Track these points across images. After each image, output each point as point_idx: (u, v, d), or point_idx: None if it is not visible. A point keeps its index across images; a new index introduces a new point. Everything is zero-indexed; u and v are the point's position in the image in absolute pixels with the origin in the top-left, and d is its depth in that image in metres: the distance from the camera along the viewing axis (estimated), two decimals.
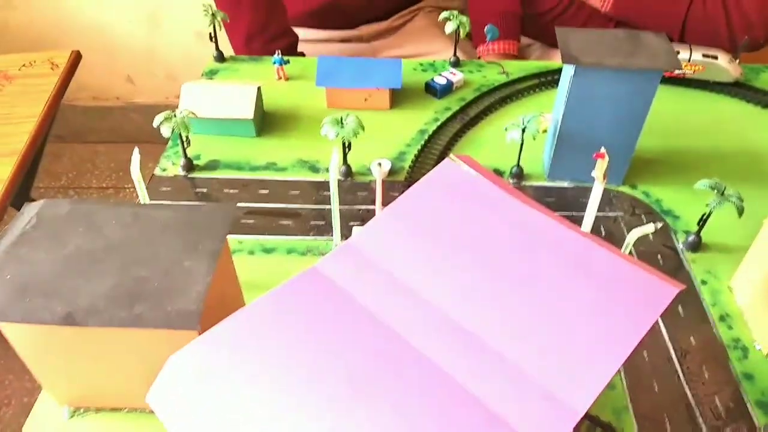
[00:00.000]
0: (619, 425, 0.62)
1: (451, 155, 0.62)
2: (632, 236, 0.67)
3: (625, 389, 0.65)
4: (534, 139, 0.84)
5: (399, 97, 1.08)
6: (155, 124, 0.85)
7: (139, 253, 0.53)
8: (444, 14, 1.09)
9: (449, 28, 1.07)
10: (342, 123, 0.85)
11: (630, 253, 0.69)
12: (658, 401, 0.64)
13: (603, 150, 0.69)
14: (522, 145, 0.87)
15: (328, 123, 0.85)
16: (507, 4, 1.35)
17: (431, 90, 1.09)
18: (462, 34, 1.09)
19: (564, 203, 0.88)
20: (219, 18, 1.10)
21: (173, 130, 0.85)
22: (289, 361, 0.47)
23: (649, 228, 0.66)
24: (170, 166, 0.94)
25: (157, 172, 0.93)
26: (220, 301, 0.57)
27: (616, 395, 0.65)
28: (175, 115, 0.86)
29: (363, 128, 0.85)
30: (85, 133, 2.46)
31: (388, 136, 0.99)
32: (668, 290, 0.50)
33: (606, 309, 0.50)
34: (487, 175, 0.62)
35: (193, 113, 0.88)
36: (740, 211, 0.73)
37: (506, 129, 0.85)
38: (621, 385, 0.66)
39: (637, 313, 0.49)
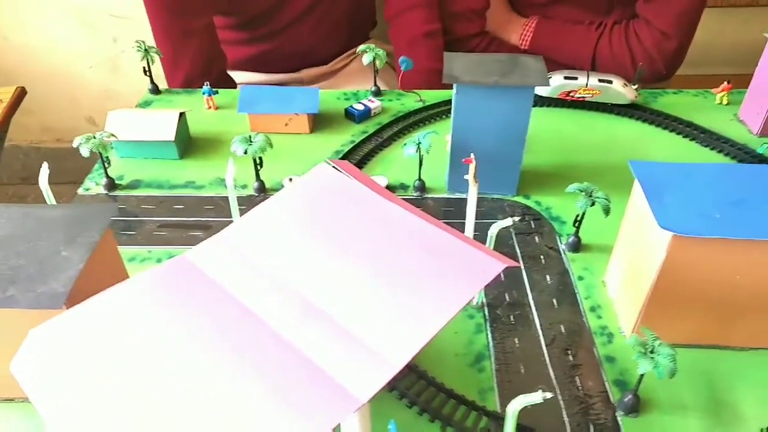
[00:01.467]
0: (482, 403, 0.67)
1: (327, 160, 0.69)
2: (494, 229, 0.73)
3: (493, 371, 0.70)
4: (427, 152, 0.91)
5: (320, 123, 1.16)
6: (74, 144, 0.91)
7: (20, 246, 0.58)
8: (361, 47, 1.17)
9: (366, 60, 1.16)
10: (251, 141, 0.91)
11: (492, 245, 0.75)
12: (523, 382, 0.69)
13: (471, 156, 0.76)
14: (421, 160, 0.95)
15: (237, 141, 0.91)
16: (422, 26, 1.40)
17: (350, 116, 1.16)
18: (378, 65, 1.17)
19: (461, 212, 0.94)
20: (151, 54, 1.18)
21: (92, 150, 0.91)
22: (146, 334, 0.51)
23: (507, 222, 0.72)
24: (93, 186, 0.99)
25: (80, 191, 0.99)
26: (100, 289, 0.62)
27: (484, 377, 0.70)
28: (95, 137, 0.92)
29: (271, 145, 0.92)
30: (52, 174, 2.51)
31: (306, 157, 1.06)
32: (495, 266, 0.56)
33: (437, 281, 0.55)
34: (360, 177, 0.68)
35: (113, 135, 0.94)
36: (606, 211, 0.79)
37: (404, 146, 0.92)
38: (490, 367, 0.71)
39: (464, 284, 0.55)
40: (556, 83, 1.16)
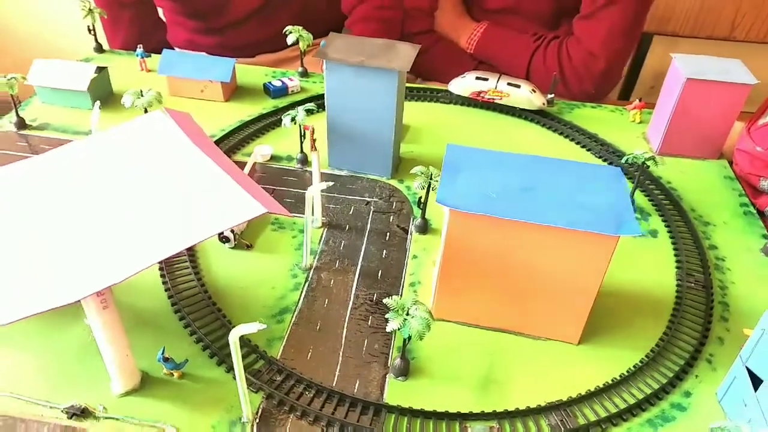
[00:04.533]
0: (269, 351, 0.71)
1: (164, 108, 0.75)
2: (310, 191, 0.77)
3: (289, 325, 0.74)
4: (297, 123, 0.95)
5: (239, 94, 1.22)
6: None
7: None
8: (288, 28, 1.22)
9: (290, 40, 1.21)
10: (142, 94, 0.98)
11: (313, 206, 0.79)
12: (312, 336, 0.73)
13: (311, 127, 0.80)
14: (303, 134, 0.99)
15: (129, 93, 0.98)
16: (377, 11, 1.44)
17: (267, 91, 1.22)
18: (302, 46, 1.22)
19: (335, 187, 0.98)
20: (96, 13, 1.26)
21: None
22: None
23: (323, 185, 0.76)
24: (8, 124, 1.07)
25: None
26: None
27: (278, 328, 0.74)
28: (5, 77, 1.00)
29: (161, 101, 0.98)
30: None
31: (215, 123, 1.11)
32: (256, 207, 0.60)
33: (199, 213, 0.60)
34: (188, 126, 0.74)
35: (23, 77, 1.02)
36: None
37: (283, 117, 0.97)
38: (289, 321, 0.75)
39: (219, 219, 0.60)
40: (468, 83, 1.20)
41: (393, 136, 0.96)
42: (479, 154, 0.74)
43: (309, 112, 0.96)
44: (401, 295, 0.80)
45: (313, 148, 0.82)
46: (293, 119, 0.95)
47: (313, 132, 0.82)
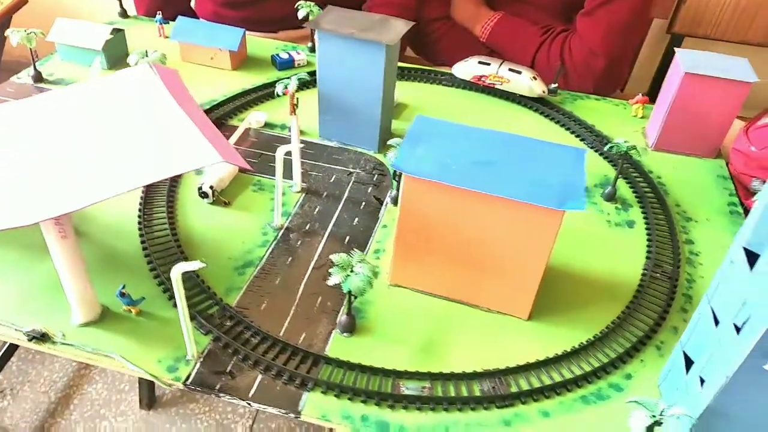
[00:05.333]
0: (225, 299, 0.74)
1: (150, 63, 0.79)
2: (279, 152, 0.79)
3: (250, 277, 0.78)
4: (283, 95, 0.97)
5: (247, 63, 1.26)
6: (6, 33, 1.06)
7: None
8: (299, 3, 1.26)
9: (300, 14, 1.24)
10: (147, 54, 1.02)
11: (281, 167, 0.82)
12: (269, 289, 0.76)
13: (291, 92, 0.83)
14: (296, 101, 1.02)
15: (135, 53, 1.02)
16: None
17: (274, 62, 1.25)
18: (311, 19, 1.25)
19: (321, 157, 1.01)
20: None
21: (19, 42, 1.05)
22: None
23: (287, 147, 0.79)
24: (26, 77, 1.14)
25: (13, 78, 1.13)
26: None
27: (239, 279, 0.77)
28: (25, 31, 1.06)
29: (164, 62, 1.02)
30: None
31: (220, 89, 1.16)
32: (213, 156, 0.64)
33: (158, 158, 0.64)
34: (172, 82, 0.78)
35: (42, 33, 1.08)
36: None
37: (277, 84, 1.00)
38: (250, 273, 0.78)
39: (176, 162, 0.63)
40: (470, 67, 1.21)
41: (381, 111, 0.98)
42: (447, 126, 0.76)
43: (302, 81, 0.98)
44: (365, 263, 0.82)
45: (293, 112, 0.85)
46: (285, 87, 0.98)
47: (293, 97, 0.85)
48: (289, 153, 0.88)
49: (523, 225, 0.67)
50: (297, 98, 1.03)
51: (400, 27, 0.94)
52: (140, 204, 0.86)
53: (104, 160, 0.64)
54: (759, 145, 0.99)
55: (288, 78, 0.98)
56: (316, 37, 0.94)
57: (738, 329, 0.52)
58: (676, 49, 1.06)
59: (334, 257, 0.66)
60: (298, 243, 0.84)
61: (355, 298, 0.70)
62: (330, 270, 0.65)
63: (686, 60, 1.02)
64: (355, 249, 0.67)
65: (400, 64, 1.30)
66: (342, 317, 0.71)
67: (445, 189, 0.67)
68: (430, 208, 0.70)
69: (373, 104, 0.98)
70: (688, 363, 0.61)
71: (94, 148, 0.66)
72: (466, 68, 1.21)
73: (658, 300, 0.79)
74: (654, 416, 0.53)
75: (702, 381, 0.58)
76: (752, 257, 0.53)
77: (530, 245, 0.68)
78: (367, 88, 0.96)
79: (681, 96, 1.03)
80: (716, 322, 0.57)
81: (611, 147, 0.91)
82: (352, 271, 0.65)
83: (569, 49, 1.33)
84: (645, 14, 1.30)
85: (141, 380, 1.46)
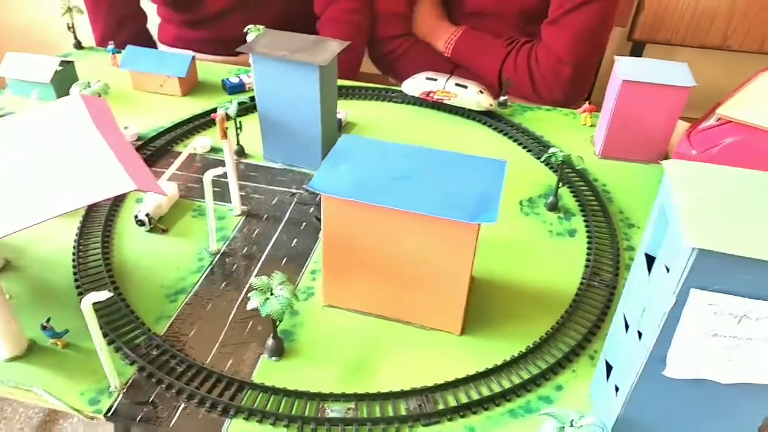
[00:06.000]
0: (154, 328, 0.74)
1: (82, 94, 0.79)
2: (207, 176, 0.79)
3: (182, 304, 0.77)
4: (233, 117, 0.98)
5: (198, 89, 1.27)
6: None
7: None
8: (249, 27, 1.26)
9: (249, 38, 1.25)
10: (89, 85, 1.03)
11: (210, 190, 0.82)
12: (199, 315, 0.76)
13: (220, 115, 0.84)
14: (239, 126, 1.03)
15: (77, 84, 1.03)
16: (347, 14, 1.47)
17: (224, 87, 1.26)
18: None
19: (264, 179, 1.01)
20: (74, 12, 1.33)
21: None
22: None
23: (219, 170, 0.79)
24: None
25: None
26: None
27: (170, 307, 0.77)
28: None
29: (107, 92, 1.03)
30: None
31: (167, 116, 1.16)
32: (127, 184, 0.64)
33: (74, 188, 0.64)
34: (97, 111, 0.78)
35: None
36: None
37: (218, 109, 1.01)
38: (182, 300, 0.78)
39: (92, 191, 0.63)
40: (418, 83, 1.21)
41: (320, 130, 0.98)
42: (370, 144, 0.76)
43: (243, 106, 0.99)
44: (299, 282, 0.82)
45: (224, 136, 0.85)
46: (226, 110, 0.98)
47: (222, 121, 0.85)
48: (225, 176, 0.89)
49: (441, 239, 0.67)
50: (239, 122, 1.04)
51: (334, 47, 0.95)
52: (76, 235, 0.86)
53: (20, 191, 0.64)
54: (700, 148, 0.99)
55: (230, 102, 0.99)
56: (250, 60, 0.94)
57: (640, 335, 0.52)
58: (615, 57, 1.07)
59: (254, 281, 0.66)
60: (234, 267, 0.84)
61: (280, 321, 0.69)
62: (249, 294, 0.65)
63: (624, 67, 1.03)
64: (276, 272, 0.66)
65: (351, 83, 1.31)
66: (269, 341, 0.71)
67: (362, 207, 0.67)
68: (350, 227, 0.69)
69: (313, 124, 0.98)
70: (609, 370, 0.61)
71: (20, 179, 0.66)
72: (415, 84, 1.22)
73: (594, 309, 0.79)
74: (563, 427, 0.53)
75: (617, 389, 0.57)
76: (651, 263, 0.52)
77: (451, 259, 0.68)
78: (305, 109, 0.97)
79: (621, 103, 1.03)
80: (627, 328, 0.57)
81: (549, 156, 0.91)
82: (272, 294, 0.65)
83: (536, 59, 1.35)
84: (610, 20, 1.31)
85: None
